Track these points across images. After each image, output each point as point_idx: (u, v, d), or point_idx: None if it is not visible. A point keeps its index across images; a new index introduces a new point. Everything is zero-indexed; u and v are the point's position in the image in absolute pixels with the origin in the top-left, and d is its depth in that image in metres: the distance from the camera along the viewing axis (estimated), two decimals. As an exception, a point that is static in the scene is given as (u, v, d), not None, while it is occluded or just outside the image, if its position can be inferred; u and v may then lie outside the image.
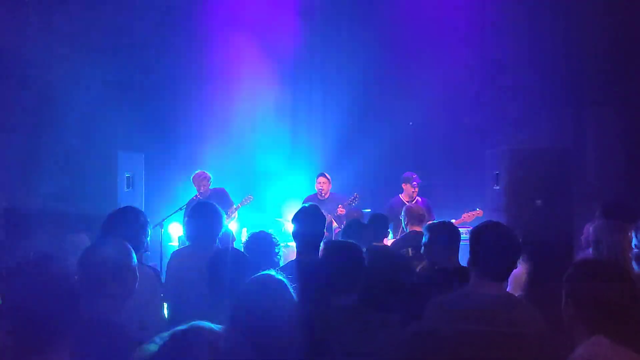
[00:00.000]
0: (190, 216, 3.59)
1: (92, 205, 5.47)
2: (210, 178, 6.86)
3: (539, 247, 3.78)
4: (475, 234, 2.54)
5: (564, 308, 2.03)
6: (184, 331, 1.48)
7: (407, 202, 6.40)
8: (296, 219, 3.28)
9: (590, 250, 3.22)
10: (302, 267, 3.02)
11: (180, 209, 6.47)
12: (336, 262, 2.55)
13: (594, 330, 1.87)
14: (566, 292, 2.02)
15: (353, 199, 6.79)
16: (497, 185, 5.78)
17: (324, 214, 3.37)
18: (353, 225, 4.07)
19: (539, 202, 5.39)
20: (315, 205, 3.46)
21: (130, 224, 3.01)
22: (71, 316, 1.77)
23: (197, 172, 6.87)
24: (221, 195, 6.67)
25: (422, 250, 3.48)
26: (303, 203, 6.73)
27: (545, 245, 3.75)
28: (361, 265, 2.53)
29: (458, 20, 8.05)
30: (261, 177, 8.16)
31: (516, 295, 3.74)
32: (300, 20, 8.07)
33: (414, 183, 6.49)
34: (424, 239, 3.46)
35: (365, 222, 4.62)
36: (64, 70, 7.96)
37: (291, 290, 2.07)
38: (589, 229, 3.33)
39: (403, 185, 6.68)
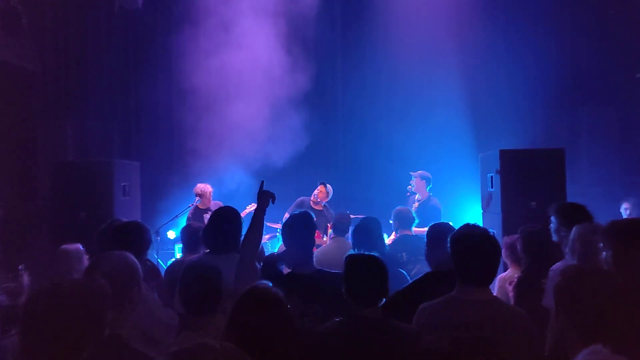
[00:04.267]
0: (214, 222, 3.38)
1: (89, 214, 5.49)
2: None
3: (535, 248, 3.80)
4: (454, 241, 2.51)
5: (555, 317, 2.01)
6: (188, 349, 1.47)
7: (418, 200, 6.60)
8: (289, 229, 3.09)
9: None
10: (305, 279, 2.92)
11: (177, 216, 6.49)
12: (362, 276, 2.46)
13: (587, 338, 1.81)
14: (557, 301, 2.00)
15: None
16: (492, 187, 5.79)
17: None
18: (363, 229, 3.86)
19: (533, 203, 5.40)
20: (307, 212, 3.21)
21: (137, 240, 3.04)
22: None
23: (204, 184, 6.87)
24: None
25: (424, 252, 3.36)
26: (295, 204, 6.70)
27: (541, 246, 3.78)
28: (385, 276, 2.47)
29: (451, 23, 8.09)
30: (254, 184, 8.15)
31: (505, 296, 3.79)
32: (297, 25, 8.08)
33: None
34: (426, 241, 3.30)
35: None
36: (60, 77, 7.99)
37: (286, 302, 2.05)
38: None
39: None
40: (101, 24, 8.39)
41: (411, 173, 6.85)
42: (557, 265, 3.26)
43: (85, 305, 1.77)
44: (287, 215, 5.54)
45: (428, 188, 6.71)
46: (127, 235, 3.07)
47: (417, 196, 6.74)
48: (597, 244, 2.91)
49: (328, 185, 6.96)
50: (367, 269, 2.46)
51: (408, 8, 8.09)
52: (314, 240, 3.15)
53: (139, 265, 2.40)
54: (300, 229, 3.05)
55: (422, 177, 6.70)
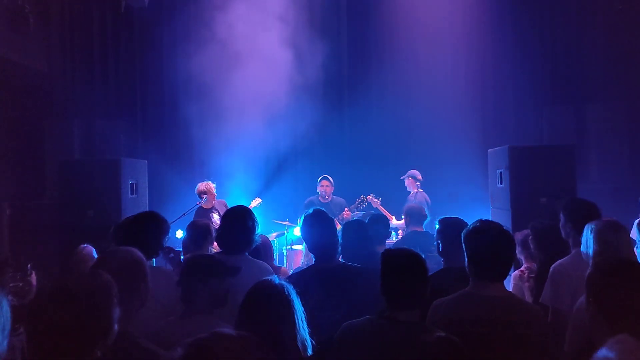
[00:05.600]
0: (227, 222, 3.29)
1: (97, 213, 5.49)
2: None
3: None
4: (468, 236, 2.50)
5: (586, 308, 2.02)
6: (205, 338, 1.47)
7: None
8: (308, 227, 3.11)
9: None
10: (327, 273, 2.93)
11: (184, 214, 6.47)
12: (399, 275, 2.25)
13: (617, 329, 1.83)
14: (588, 292, 2.01)
15: (360, 202, 6.81)
16: (501, 183, 5.76)
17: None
18: (352, 226, 3.78)
19: (543, 199, 5.36)
20: (320, 209, 3.21)
21: (152, 231, 3.01)
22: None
23: (206, 182, 6.82)
24: (225, 207, 6.65)
25: (437, 248, 3.25)
26: (305, 205, 6.73)
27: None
28: (426, 278, 2.30)
29: (458, 19, 8.06)
30: (261, 180, 8.16)
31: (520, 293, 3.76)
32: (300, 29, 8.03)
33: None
34: (437, 236, 3.26)
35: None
36: (66, 76, 8.00)
37: (294, 295, 2.09)
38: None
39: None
40: (107, 22, 8.40)
41: (402, 177, 7.33)
42: (560, 262, 3.25)
43: (89, 299, 1.75)
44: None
45: (417, 184, 7.25)
46: (146, 224, 3.04)
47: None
48: (614, 239, 2.88)
49: (328, 176, 7.01)
50: (408, 268, 2.26)
51: (416, 3, 8.05)
52: (336, 234, 3.12)
53: (145, 262, 2.36)
54: (320, 227, 3.07)
55: (411, 176, 7.28)
